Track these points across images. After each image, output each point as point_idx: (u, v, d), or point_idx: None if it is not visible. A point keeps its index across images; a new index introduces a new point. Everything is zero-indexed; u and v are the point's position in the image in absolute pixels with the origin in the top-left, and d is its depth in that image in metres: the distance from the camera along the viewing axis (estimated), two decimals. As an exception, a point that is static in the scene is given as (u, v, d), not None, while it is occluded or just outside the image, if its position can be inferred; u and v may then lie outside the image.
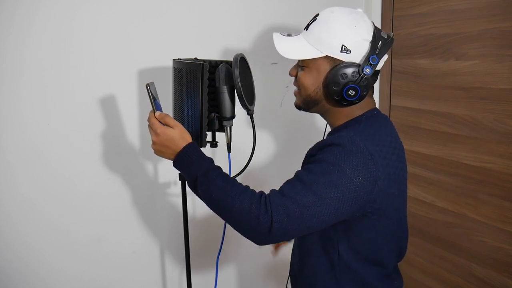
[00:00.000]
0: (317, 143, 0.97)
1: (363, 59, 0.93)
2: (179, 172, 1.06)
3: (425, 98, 1.64)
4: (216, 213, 0.95)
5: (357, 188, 0.87)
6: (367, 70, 0.92)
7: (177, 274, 1.56)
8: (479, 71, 1.45)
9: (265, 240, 0.89)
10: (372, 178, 0.88)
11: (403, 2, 1.69)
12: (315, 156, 0.94)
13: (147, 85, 1.00)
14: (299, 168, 1.01)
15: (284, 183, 0.93)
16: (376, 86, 1.82)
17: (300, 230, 0.88)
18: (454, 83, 1.54)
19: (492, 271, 1.50)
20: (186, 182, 0.99)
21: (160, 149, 0.99)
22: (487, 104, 1.45)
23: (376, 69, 0.97)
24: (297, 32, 1.03)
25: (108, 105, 1.32)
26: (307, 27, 1.00)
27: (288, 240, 0.91)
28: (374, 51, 0.93)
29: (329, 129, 1.08)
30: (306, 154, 1.00)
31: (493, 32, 1.40)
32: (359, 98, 0.95)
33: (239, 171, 1.14)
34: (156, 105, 1.02)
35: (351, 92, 0.93)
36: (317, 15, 0.99)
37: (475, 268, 1.55)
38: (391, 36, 0.97)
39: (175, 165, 0.99)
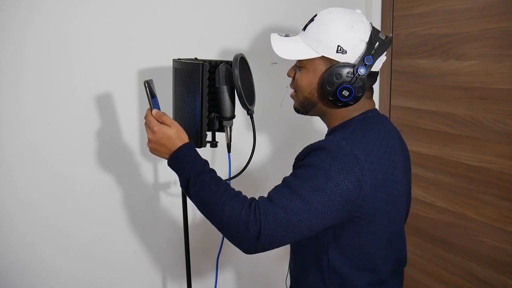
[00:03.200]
0: (305, 147, 0.97)
1: (359, 60, 0.93)
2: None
3: (425, 98, 1.64)
4: (205, 216, 0.94)
5: (343, 192, 0.86)
6: (362, 71, 0.92)
7: (177, 274, 1.56)
8: (479, 71, 1.45)
9: (252, 247, 0.88)
10: (357, 182, 0.87)
11: (403, 2, 1.69)
12: (302, 160, 0.94)
13: (145, 82, 0.99)
14: (299, 169, 1.01)
15: (272, 189, 0.92)
16: (376, 86, 1.82)
17: (288, 237, 0.87)
18: (454, 83, 1.54)
19: (492, 271, 1.50)
20: (179, 182, 0.99)
21: (155, 147, 0.99)
22: (487, 104, 1.44)
23: (373, 70, 0.96)
24: (295, 33, 1.04)
25: (108, 105, 1.32)
26: (304, 27, 1.00)
27: (276, 248, 0.90)
28: (370, 52, 0.93)
29: None
30: (295, 159, 0.99)
31: (493, 32, 1.40)
32: (354, 99, 0.94)
33: (239, 171, 1.14)
34: (154, 102, 1.01)
35: (345, 93, 0.93)
36: (315, 15, 0.99)
37: (475, 268, 1.55)
38: (389, 38, 0.96)
39: (169, 164, 0.99)
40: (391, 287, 1.06)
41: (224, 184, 0.93)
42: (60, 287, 1.33)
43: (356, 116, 0.99)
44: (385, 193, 0.93)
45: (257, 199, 0.90)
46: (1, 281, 1.25)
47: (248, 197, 0.92)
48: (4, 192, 1.21)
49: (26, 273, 1.28)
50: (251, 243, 0.86)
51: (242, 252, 0.91)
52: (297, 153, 0.99)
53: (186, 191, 0.96)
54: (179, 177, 0.97)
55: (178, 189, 1.48)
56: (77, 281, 1.36)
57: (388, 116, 1.78)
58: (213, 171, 0.96)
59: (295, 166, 0.98)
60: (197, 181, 0.92)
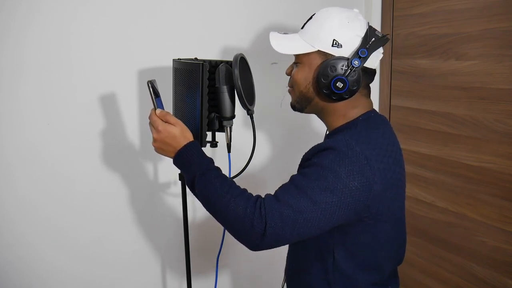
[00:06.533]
0: (312, 147, 0.97)
1: (353, 53, 0.94)
2: (179, 171, 1.05)
3: (425, 98, 1.64)
4: (211, 214, 0.94)
5: (352, 193, 0.86)
6: (356, 63, 0.92)
7: (177, 274, 1.56)
8: (479, 71, 1.45)
9: (259, 245, 0.88)
10: (367, 183, 0.87)
11: (403, 2, 1.69)
12: (310, 160, 0.94)
13: (149, 82, 1.00)
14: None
15: (279, 188, 0.92)
16: (376, 86, 1.82)
17: (294, 235, 0.87)
18: (454, 83, 1.54)
19: (492, 271, 1.50)
20: (185, 180, 0.99)
21: (160, 147, 1.00)
22: (487, 104, 1.44)
23: (369, 66, 0.96)
24: (294, 32, 1.04)
25: (108, 105, 1.32)
26: (303, 26, 1.02)
27: (282, 245, 0.91)
28: (365, 46, 0.93)
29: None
30: (302, 158, 1.00)
31: (493, 32, 1.40)
32: (349, 91, 0.94)
33: (239, 171, 1.14)
34: (157, 102, 1.02)
35: (339, 85, 0.93)
36: (313, 15, 1.01)
37: (475, 268, 1.55)
38: (385, 36, 0.97)
39: (175, 162, 1.00)
40: (391, 286, 1.07)
41: (229, 182, 0.93)
42: (60, 287, 1.33)
43: (360, 117, 0.99)
44: (393, 192, 0.94)
45: (263, 196, 0.91)
46: (1, 281, 1.25)
47: (254, 194, 0.92)
48: (4, 192, 1.21)
49: (26, 273, 1.28)
50: (257, 240, 0.87)
51: (242, 253, 0.91)
52: (297, 153, 0.99)
53: (192, 189, 0.97)
54: (184, 175, 0.98)
55: (178, 189, 1.48)
56: (77, 281, 1.36)
57: (386, 116, 1.79)
58: (218, 169, 0.97)
59: (302, 165, 0.98)
60: (203, 179, 0.93)
